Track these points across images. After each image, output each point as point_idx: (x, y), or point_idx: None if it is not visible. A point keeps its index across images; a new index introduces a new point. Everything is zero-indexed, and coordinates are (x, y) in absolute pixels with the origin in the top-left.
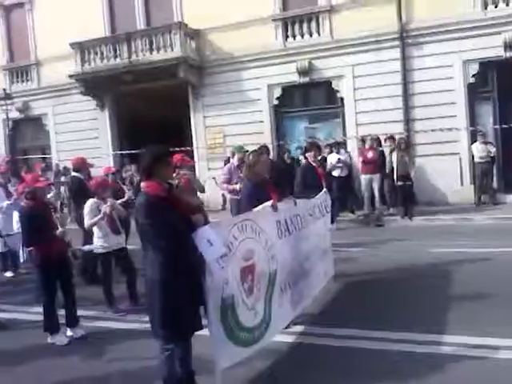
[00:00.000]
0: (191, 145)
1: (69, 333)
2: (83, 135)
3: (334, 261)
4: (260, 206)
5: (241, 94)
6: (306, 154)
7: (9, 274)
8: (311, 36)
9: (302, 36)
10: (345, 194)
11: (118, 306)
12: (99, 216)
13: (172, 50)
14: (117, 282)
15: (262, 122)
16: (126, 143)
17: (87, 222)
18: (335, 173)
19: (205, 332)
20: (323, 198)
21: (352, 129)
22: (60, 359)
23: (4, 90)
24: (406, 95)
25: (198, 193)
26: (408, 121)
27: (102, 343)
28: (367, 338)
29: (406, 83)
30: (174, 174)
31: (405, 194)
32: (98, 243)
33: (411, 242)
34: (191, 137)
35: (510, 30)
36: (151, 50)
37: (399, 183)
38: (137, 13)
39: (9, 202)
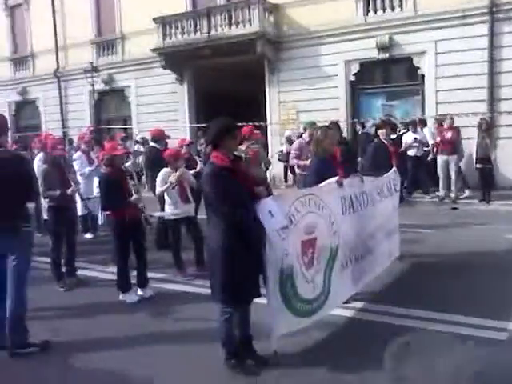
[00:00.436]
0: (265, 120)
1: (139, 292)
2: (162, 108)
3: (401, 241)
4: (325, 182)
5: (317, 70)
6: (378, 132)
7: (88, 235)
8: (393, 10)
9: (384, 10)
10: (420, 174)
11: (186, 270)
12: (167, 185)
13: (250, 25)
14: (186, 248)
15: (337, 98)
16: (202, 116)
17: (157, 189)
18: (411, 152)
19: (264, 300)
20: (392, 176)
21: (431, 107)
22: (129, 316)
23: (91, 63)
24: (492, 73)
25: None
26: (492, 101)
27: (169, 304)
28: (426, 319)
29: (492, 61)
30: (243, 147)
31: (484, 178)
32: (168, 210)
33: (487, 226)
34: (265, 112)
35: None
36: (230, 24)
37: (478, 166)
38: None
39: (91, 168)
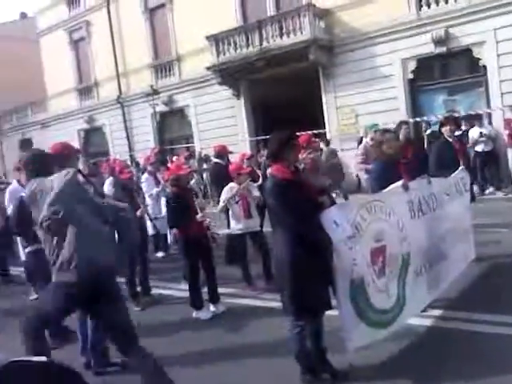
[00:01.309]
0: (323, 126)
1: (212, 308)
2: (221, 123)
3: (476, 242)
4: (390, 187)
5: (373, 71)
6: (442, 129)
7: (160, 253)
8: (447, 3)
9: (437, 3)
10: (490, 170)
11: (255, 284)
12: (228, 196)
13: (301, 32)
14: (255, 262)
15: (395, 98)
16: (260, 128)
17: (220, 205)
18: (478, 148)
19: (336, 312)
20: (461, 175)
21: (496, 99)
22: (203, 332)
23: (151, 86)
24: None
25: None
26: None
27: (241, 319)
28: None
29: None
30: (301, 156)
31: None
32: (233, 225)
33: None
34: (323, 118)
35: None
36: (281, 34)
37: None
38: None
39: (158, 189)
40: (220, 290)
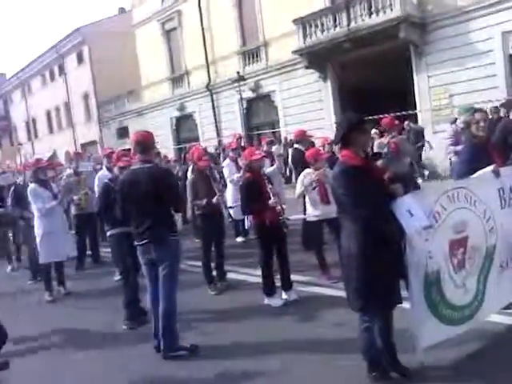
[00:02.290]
0: (414, 108)
1: (283, 296)
2: (308, 108)
3: None
4: (480, 172)
5: (469, 48)
6: None
7: (239, 239)
8: None
9: None
10: None
11: (330, 272)
12: (303, 187)
13: (391, 10)
14: (331, 249)
15: (494, 75)
16: (348, 112)
17: (297, 190)
18: None
19: (408, 305)
20: None
21: None
22: (273, 320)
23: (238, 72)
24: None
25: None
26: None
27: (313, 308)
28: None
29: None
30: (385, 139)
31: None
32: (309, 212)
33: None
34: (414, 99)
35: None
36: (370, 13)
37: None
38: None
39: (238, 175)
40: (293, 277)
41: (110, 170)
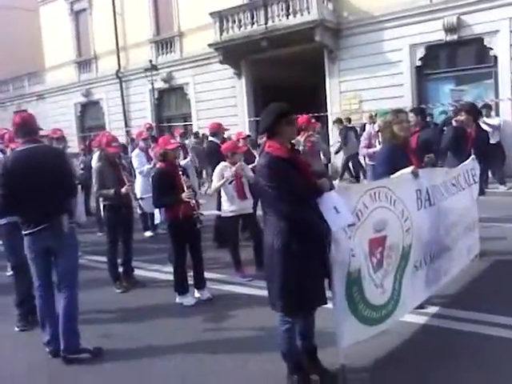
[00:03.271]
0: (325, 111)
1: (196, 294)
2: (221, 103)
3: (479, 237)
4: (398, 173)
5: (380, 56)
6: (461, 118)
7: (148, 233)
8: None
9: None
10: (495, 162)
11: (244, 270)
12: (223, 180)
13: (308, 13)
14: (246, 246)
15: (402, 85)
16: (261, 110)
17: (213, 185)
18: None
19: (330, 305)
20: (471, 166)
21: (506, 90)
22: (185, 319)
23: (150, 61)
24: None
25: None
26: None
27: (227, 307)
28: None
29: None
30: (301, 138)
31: None
32: (225, 207)
33: None
34: (325, 103)
35: None
36: (288, 14)
37: None
38: None
39: (149, 166)
40: (207, 275)
41: (2, 151)
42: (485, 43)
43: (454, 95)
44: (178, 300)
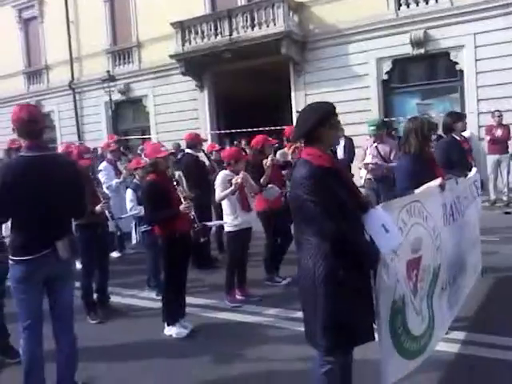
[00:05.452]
0: (291, 124)
1: (186, 323)
2: (182, 116)
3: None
4: (425, 186)
5: (346, 70)
6: (453, 126)
7: (115, 254)
8: (427, 3)
9: (417, 3)
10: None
11: (235, 294)
12: (231, 188)
13: (274, 24)
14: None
15: (368, 98)
16: (223, 124)
17: (218, 194)
18: None
19: None
20: (475, 178)
21: (472, 105)
22: (178, 355)
23: (108, 72)
24: None
25: None
26: None
27: (222, 337)
28: None
29: None
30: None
31: None
32: (228, 221)
33: None
34: (291, 116)
35: None
36: (253, 26)
37: None
38: None
39: (118, 181)
40: (189, 300)
41: None
42: (451, 57)
43: (420, 109)
44: (166, 332)
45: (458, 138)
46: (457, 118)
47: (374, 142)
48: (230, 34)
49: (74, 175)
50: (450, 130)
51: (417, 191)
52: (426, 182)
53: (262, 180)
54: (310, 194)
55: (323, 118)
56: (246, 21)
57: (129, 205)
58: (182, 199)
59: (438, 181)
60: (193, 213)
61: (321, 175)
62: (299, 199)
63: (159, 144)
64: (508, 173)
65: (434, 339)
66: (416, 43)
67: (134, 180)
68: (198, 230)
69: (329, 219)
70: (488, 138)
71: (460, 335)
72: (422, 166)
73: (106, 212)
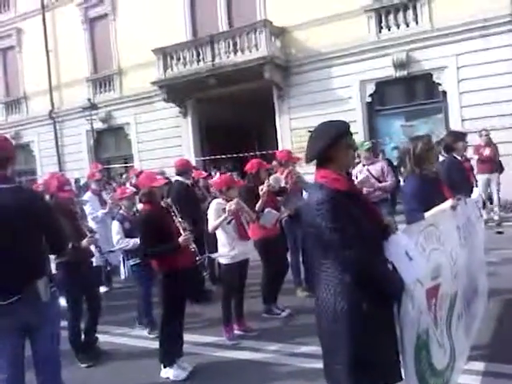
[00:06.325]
0: (276, 148)
1: (182, 364)
2: (166, 143)
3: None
4: (437, 208)
5: (330, 93)
6: (454, 145)
7: (102, 288)
8: (408, 26)
9: (398, 26)
10: None
11: (233, 330)
12: (224, 216)
13: (257, 49)
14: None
15: (353, 121)
16: (207, 150)
17: (211, 223)
18: None
19: None
20: (477, 198)
21: (456, 125)
22: None
23: (89, 99)
24: None
25: None
26: None
27: (229, 378)
28: None
29: None
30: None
31: None
32: (226, 252)
33: None
34: (276, 140)
35: None
36: (235, 51)
37: None
38: (219, 14)
39: (104, 211)
40: (192, 337)
41: None
42: (434, 79)
43: (404, 131)
44: (163, 374)
45: (459, 158)
46: (457, 137)
47: (363, 166)
48: (213, 60)
49: (42, 209)
50: (450, 149)
51: (428, 214)
52: (434, 202)
53: (257, 207)
54: (327, 220)
55: (340, 137)
56: (229, 46)
57: (115, 238)
58: (182, 231)
59: (450, 202)
60: (193, 245)
61: (338, 199)
62: (315, 226)
63: (153, 172)
64: (498, 191)
65: (456, 372)
66: (398, 65)
67: (121, 211)
68: (201, 264)
69: (349, 247)
70: (476, 157)
71: (480, 366)
72: (428, 186)
73: (93, 247)
